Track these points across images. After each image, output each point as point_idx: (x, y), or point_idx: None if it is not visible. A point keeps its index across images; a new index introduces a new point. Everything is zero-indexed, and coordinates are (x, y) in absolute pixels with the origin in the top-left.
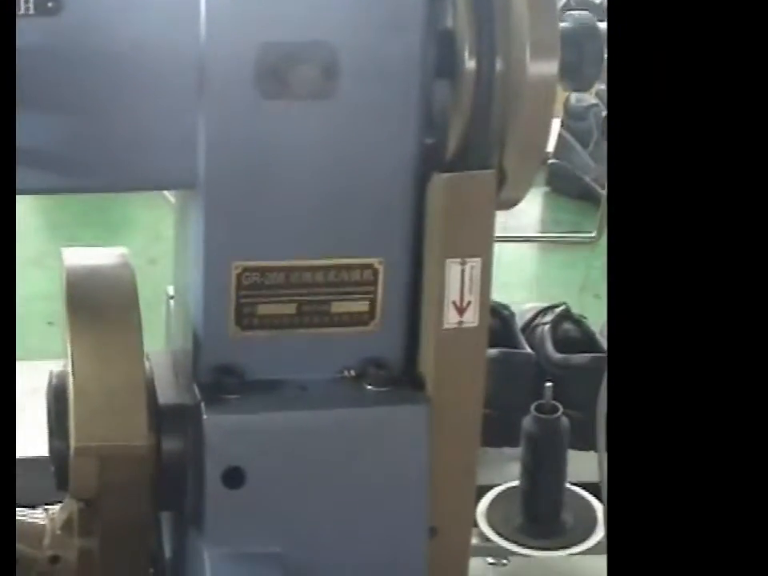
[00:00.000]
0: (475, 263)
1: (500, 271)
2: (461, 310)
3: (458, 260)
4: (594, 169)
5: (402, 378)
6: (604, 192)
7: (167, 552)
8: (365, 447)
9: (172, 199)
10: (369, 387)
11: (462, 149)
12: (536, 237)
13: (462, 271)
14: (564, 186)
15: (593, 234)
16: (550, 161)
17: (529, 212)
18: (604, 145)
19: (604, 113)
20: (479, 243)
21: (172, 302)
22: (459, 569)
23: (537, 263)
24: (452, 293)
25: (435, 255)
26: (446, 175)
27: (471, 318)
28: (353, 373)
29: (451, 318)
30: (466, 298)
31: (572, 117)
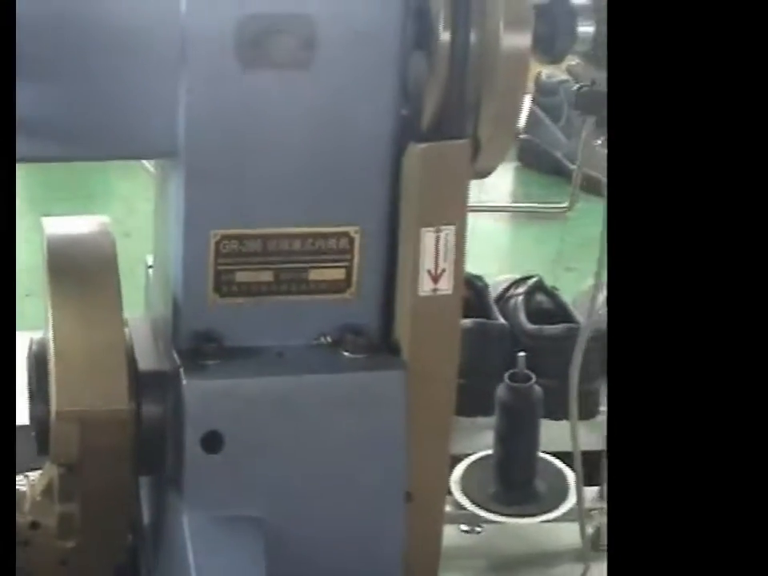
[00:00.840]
0: (450, 231)
1: (473, 244)
2: (435, 278)
3: (433, 228)
4: (564, 144)
5: (379, 345)
6: (574, 167)
7: (146, 518)
8: (342, 413)
9: (152, 169)
10: (345, 354)
11: (438, 119)
12: (508, 207)
13: (437, 239)
14: (535, 161)
15: (565, 205)
16: (521, 136)
17: (500, 186)
18: (575, 120)
19: (574, 88)
20: (454, 211)
21: (151, 270)
22: (434, 534)
23: (509, 236)
24: (427, 261)
25: (410, 224)
26: (422, 145)
27: (446, 285)
28: (330, 339)
29: (426, 286)
30: (441, 266)
31: (543, 92)
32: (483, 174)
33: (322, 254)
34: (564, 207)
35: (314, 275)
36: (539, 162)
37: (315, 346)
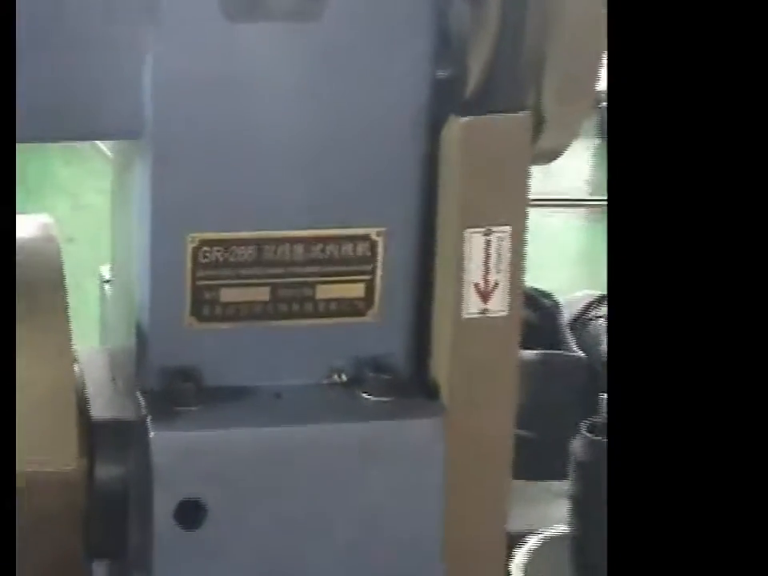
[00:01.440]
0: (504, 233)
1: (537, 249)
2: (485, 295)
3: (482, 229)
4: None
5: (409, 384)
6: None
7: None
8: (360, 474)
9: (108, 153)
10: (365, 395)
11: (487, 83)
12: (584, 200)
13: (487, 244)
14: None
15: None
16: (601, 104)
17: (574, 170)
18: None
19: None
20: (509, 207)
21: (108, 286)
22: None
23: (587, 238)
24: (473, 272)
25: (451, 223)
26: (466, 119)
27: (499, 304)
28: (345, 377)
29: (472, 306)
30: (492, 279)
31: None
32: (550, 155)
33: (333, 265)
34: None
35: (323, 292)
36: None
37: (325, 386)
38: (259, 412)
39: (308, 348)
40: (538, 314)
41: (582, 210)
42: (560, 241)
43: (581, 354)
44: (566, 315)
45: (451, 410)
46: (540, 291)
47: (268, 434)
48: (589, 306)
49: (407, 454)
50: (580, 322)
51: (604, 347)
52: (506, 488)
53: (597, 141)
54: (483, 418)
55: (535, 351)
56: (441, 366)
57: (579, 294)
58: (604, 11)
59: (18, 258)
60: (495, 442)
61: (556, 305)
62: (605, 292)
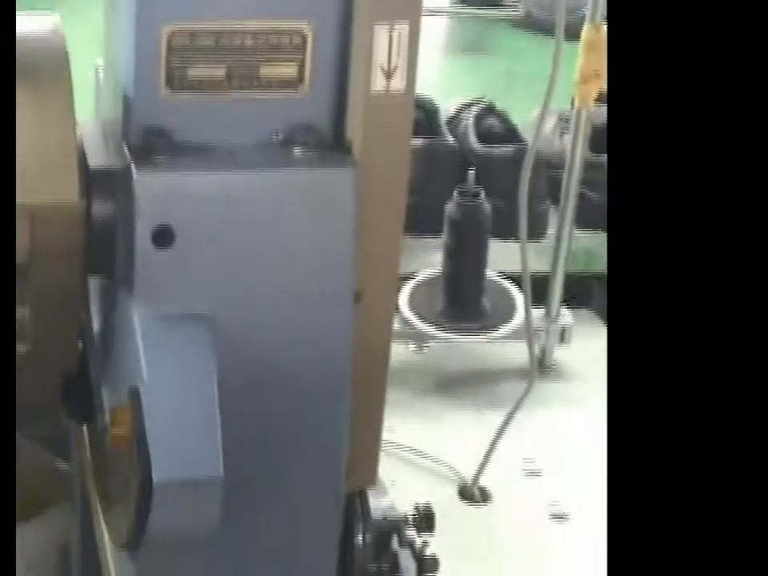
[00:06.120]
0: (403, 28)
1: (422, 68)
2: (388, 75)
3: (386, 24)
4: None
5: (330, 143)
6: None
7: (96, 327)
8: (292, 209)
9: None
10: (297, 151)
11: None
12: (464, 11)
13: (390, 35)
14: None
15: (520, 11)
16: None
17: None
18: None
19: None
20: (408, 7)
21: (101, 72)
22: (383, 333)
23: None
24: (380, 57)
25: (364, 19)
26: None
27: (398, 84)
28: (281, 137)
29: (379, 83)
30: (393, 62)
31: None
32: None
33: (274, 51)
34: (518, 11)
35: (266, 71)
36: None
37: (266, 144)
38: (217, 162)
39: (254, 115)
40: (422, 113)
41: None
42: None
43: (454, 142)
44: (444, 116)
45: (362, 163)
46: (424, 97)
47: (223, 178)
48: (460, 110)
49: (327, 195)
50: (454, 121)
51: (471, 139)
52: (401, 219)
53: None
54: (385, 170)
55: (421, 139)
56: (355, 129)
57: (451, 101)
58: None
59: (31, 48)
60: (395, 185)
61: (436, 108)
62: (473, 99)
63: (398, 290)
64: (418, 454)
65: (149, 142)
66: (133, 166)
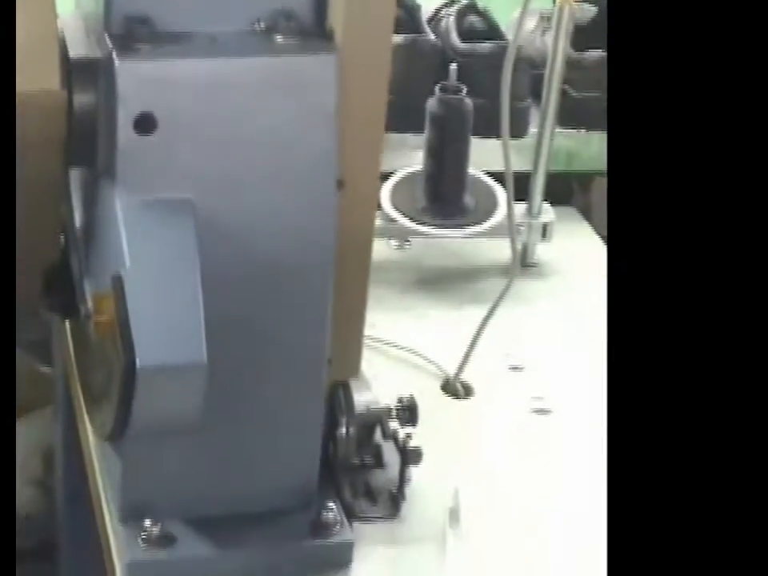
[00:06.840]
0: None
1: None
2: None
3: None
4: None
5: (312, 30)
6: None
7: (78, 219)
8: (274, 96)
9: None
10: (278, 38)
11: None
12: None
13: None
14: None
15: None
16: None
17: None
18: None
19: None
20: None
21: None
22: (365, 223)
23: None
24: None
25: None
26: None
27: None
28: (263, 25)
29: None
30: None
31: None
32: None
33: None
34: None
35: None
36: None
37: (248, 32)
38: (199, 49)
39: (236, 3)
40: (403, 11)
41: None
42: None
43: (435, 39)
44: (425, 14)
45: (344, 50)
46: None
47: (205, 65)
48: (441, 7)
49: (309, 82)
50: (436, 18)
51: (453, 36)
52: (384, 105)
53: None
54: (368, 53)
55: (402, 35)
56: (336, 16)
57: None
58: None
59: None
60: (377, 72)
61: (417, 5)
62: None
63: (381, 181)
64: (401, 348)
65: (130, 31)
66: (114, 54)
